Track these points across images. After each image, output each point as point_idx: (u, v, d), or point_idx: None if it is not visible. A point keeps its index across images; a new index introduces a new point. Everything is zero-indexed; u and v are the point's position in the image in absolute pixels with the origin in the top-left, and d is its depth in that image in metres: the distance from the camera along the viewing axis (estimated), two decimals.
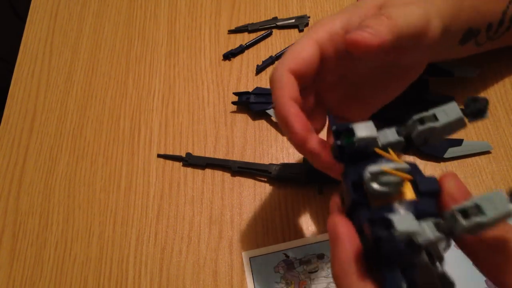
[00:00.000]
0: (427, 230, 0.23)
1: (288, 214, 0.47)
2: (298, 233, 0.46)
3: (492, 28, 0.45)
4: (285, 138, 0.51)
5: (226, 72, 0.56)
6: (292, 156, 0.50)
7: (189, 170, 0.51)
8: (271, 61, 0.56)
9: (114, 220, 0.49)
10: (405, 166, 0.25)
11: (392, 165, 0.24)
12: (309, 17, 0.58)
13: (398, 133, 0.27)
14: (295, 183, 0.48)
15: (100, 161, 0.52)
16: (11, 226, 0.49)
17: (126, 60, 0.59)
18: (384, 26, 0.32)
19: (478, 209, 0.23)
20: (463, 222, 0.22)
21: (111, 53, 0.59)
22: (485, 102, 0.25)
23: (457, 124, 0.26)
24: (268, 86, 0.54)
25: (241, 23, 0.59)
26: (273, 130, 0.52)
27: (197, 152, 0.51)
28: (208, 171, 0.50)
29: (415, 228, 0.22)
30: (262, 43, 0.58)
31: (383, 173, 0.24)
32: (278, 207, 0.48)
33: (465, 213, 0.23)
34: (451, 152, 0.47)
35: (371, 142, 0.26)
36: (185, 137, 0.52)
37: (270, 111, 0.52)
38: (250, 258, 0.45)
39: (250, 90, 0.54)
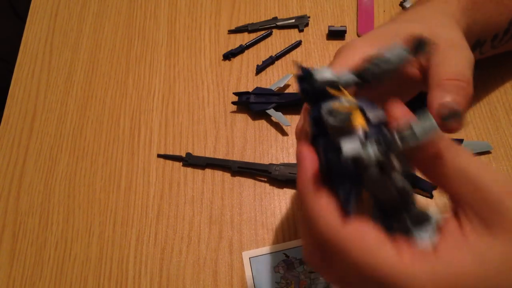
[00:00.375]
0: (370, 151, 0.27)
1: (288, 214, 0.47)
2: (298, 233, 0.46)
3: (498, 38, 0.45)
4: (285, 138, 0.51)
5: (226, 72, 0.56)
6: (292, 156, 0.50)
7: (189, 170, 0.51)
8: (271, 61, 0.56)
9: (114, 220, 0.49)
10: (354, 101, 0.29)
11: (343, 100, 0.29)
12: (309, 17, 0.58)
13: (354, 73, 0.32)
14: (295, 183, 0.48)
15: (100, 161, 0.52)
16: (11, 226, 0.49)
17: (126, 60, 0.59)
18: (465, 99, 0.33)
19: (411, 129, 0.27)
20: (398, 141, 0.27)
21: (111, 53, 0.59)
22: (426, 40, 0.29)
23: (399, 58, 0.31)
24: (268, 86, 0.54)
25: (241, 23, 0.59)
26: (273, 130, 0.52)
27: (197, 152, 0.51)
28: (208, 171, 0.50)
29: (360, 151, 0.27)
30: (262, 43, 0.58)
31: (335, 108, 0.28)
32: (278, 207, 0.48)
33: (401, 134, 0.27)
34: None
35: (329, 83, 0.30)
36: (185, 137, 0.52)
37: (270, 111, 0.52)
38: (250, 258, 0.45)
39: (250, 90, 0.54)
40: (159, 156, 0.52)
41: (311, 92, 0.29)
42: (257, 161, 0.50)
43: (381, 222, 0.30)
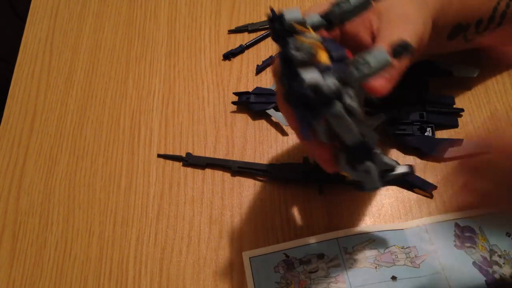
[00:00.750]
0: (329, 81, 0.30)
1: (288, 214, 0.47)
2: (298, 233, 0.46)
3: (482, 24, 0.45)
4: (285, 138, 0.51)
5: (226, 72, 0.56)
6: (292, 156, 0.50)
7: (189, 170, 0.51)
8: (271, 61, 0.56)
9: (114, 220, 0.49)
10: (318, 37, 0.32)
11: (308, 35, 0.32)
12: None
13: (321, 16, 0.35)
14: (295, 183, 0.48)
15: (100, 161, 0.52)
16: (11, 226, 0.49)
17: (126, 60, 0.59)
18: (398, 68, 0.35)
19: (365, 61, 0.30)
20: (355, 72, 0.30)
21: (111, 53, 0.59)
22: (407, 43, 0.33)
23: (364, 4, 0.34)
24: (268, 86, 0.54)
25: (241, 23, 0.59)
26: (273, 130, 0.52)
27: (197, 152, 0.51)
28: (208, 171, 0.50)
29: (318, 80, 0.30)
30: (262, 43, 0.58)
31: (299, 41, 0.31)
32: (278, 207, 0.48)
33: (356, 65, 0.30)
34: (451, 152, 0.47)
35: (297, 21, 0.32)
36: (185, 137, 0.52)
37: (270, 111, 0.52)
38: (250, 258, 0.45)
39: (250, 90, 0.54)
40: (159, 156, 0.52)
41: (281, 31, 0.32)
42: (257, 161, 0.50)
43: (346, 162, 0.36)
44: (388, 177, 0.39)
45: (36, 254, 0.48)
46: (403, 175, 0.39)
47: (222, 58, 0.57)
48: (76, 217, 0.49)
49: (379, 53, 0.30)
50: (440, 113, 0.49)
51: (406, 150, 0.49)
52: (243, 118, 0.53)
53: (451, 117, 0.50)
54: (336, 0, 0.34)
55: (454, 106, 0.50)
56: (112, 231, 0.48)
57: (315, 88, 0.30)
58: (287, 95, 0.33)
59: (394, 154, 0.49)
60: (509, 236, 0.43)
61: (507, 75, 0.52)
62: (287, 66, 0.32)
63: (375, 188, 0.39)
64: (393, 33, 0.37)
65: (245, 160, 0.50)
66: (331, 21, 0.35)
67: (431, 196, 0.46)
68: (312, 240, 0.45)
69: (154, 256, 0.46)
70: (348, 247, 0.44)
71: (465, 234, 0.44)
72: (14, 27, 0.83)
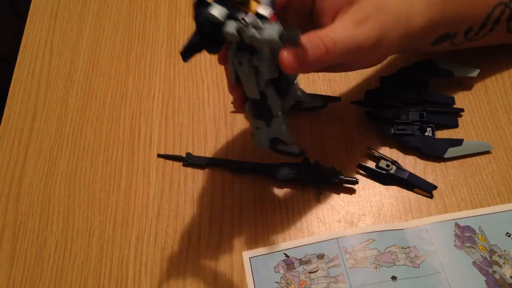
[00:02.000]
0: (229, 25, 0.34)
1: (288, 214, 0.47)
2: (298, 233, 0.46)
3: (472, 31, 0.45)
4: None
5: None
6: (292, 156, 0.50)
7: (189, 170, 0.51)
8: None
9: (114, 220, 0.49)
10: None
11: None
12: None
13: None
14: (295, 183, 0.48)
15: (100, 161, 0.52)
16: (11, 226, 0.49)
17: (126, 60, 0.59)
18: (314, 58, 0.36)
19: (261, 29, 0.33)
20: (250, 30, 0.33)
21: (111, 53, 0.59)
22: (296, 37, 0.34)
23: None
24: None
25: None
26: None
27: (197, 152, 0.51)
28: (208, 171, 0.50)
29: (219, 15, 0.33)
30: None
31: None
32: (278, 207, 0.48)
33: (255, 27, 0.33)
34: (451, 152, 0.47)
35: None
36: (185, 137, 0.52)
37: None
38: (250, 258, 0.45)
39: None
40: (159, 156, 0.52)
41: None
42: (257, 161, 0.50)
43: (248, 109, 0.41)
44: (279, 147, 0.44)
45: (36, 254, 0.48)
46: (290, 152, 0.44)
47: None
48: (76, 217, 0.49)
49: (273, 29, 0.33)
50: (440, 113, 0.49)
51: (406, 150, 0.49)
52: (243, 118, 0.53)
53: (451, 117, 0.50)
54: None
55: (454, 106, 0.50)
56: (112, 231, 0.48)
57: (214, 22, 0.34)
58: (194, 16, 0.36)
59: (394, 154, 0.49)
60: (509, 236, 0.43)
61: (507, 75, 0.52)
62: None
63: (259, 146, 0.44)
64: (338, 30, 0.38)
65: (245, 160, 0.50)
66: None
67: (431, 196, 0.46)
68: (312, 240, 0.45)
69: (154, 256, 0.46)
70: (348, 247, 0.44)
71: (465, 234, 0.44)
72: (14, 27, 0.83)
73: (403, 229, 0.45)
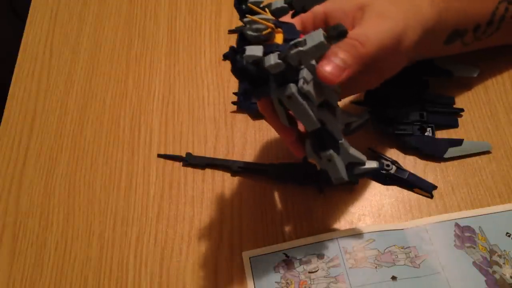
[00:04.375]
0: (271, 57, 0.32)
1: (288, 214, 0.47)
2: (298, 233, 0.46)
3: (480, 29, 0.45)
4: None
5: (226, 72, 0.56)
6: (292, 156, 0.50)
7: (189, 170, 0.51)
8: None
9: (114, 220, 0.49)
10: (271, 18, 0.34)
11: (262, 16, 0.34)
12: None
13: (285, 2, 0.36)
14: (295, 183, 0.48)
15: (100, 161, 0.52)
16: (11, 226, 0.49)
17: (126, 60, 0.59)
18: (353, 57, 0.36)
19: (304, 42, 0.32)
20: (293, 49, 0.32)
21: (111, 53, 0.59)
22: (342, 28, 0.33)
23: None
24: None
25: (241, 23, 0.59)
26: (273, 130, 0.52)
27: (197, 152, 0.51)
28: (208, 171, 0.50)
29: (258, 53, 0.32)
30: None
31: (252, 22, 0.33)
32: (278, 207, 0.48)
33: (296, 45, 0.32)
34: (451, 152, 0.47)
35: (255, 2, 0.34)
36: (185, 137, 0.52)
37: None
38: (250, 258, 0.45)
39: None
40: (159, 156, 0.52)
41: (241, 10, 0.34)
42: (257, 161, 0.50)
43: (311, 148, 0.38)
44: (356, 171, 0.40)
45: (36, 254, 0.48)
46: (371, 170, 0.41)
47: (222, 58, 0.57)
48: (76, 217, 0.49)
49: (316, 34, 0.32)
50: (440, 113, 0.49)
51: (406, 150, 0.49)
52: (243, 118, 0.53)
53: (451, 117, 0.50)
54: None
55: (454, 106, 0.50)
56: (112, 231, 0.48)
57: (255, 62, 0.33)
58: (232, 67, 0.35)
59: (394, 154, 0.49)
60: (509, 236, 0.43)
61: (507, 75, 0.52)
62: (242, 43, 0.34)
63: (341, 180, 0.39)
64: (365, 28, 0.38)
65: (245, 160, 0.50)
66: (293, 6, 0.37)
67: (431, 196, 0.46)
68: (312, 240, 0.45)
69: (154, 256, 0.46)
70: (348, 247, 0.44)
71: (465, 234, 0.44)
72: (14, 27, 0.83)
73: (403, 229, 0.45)
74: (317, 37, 0.32)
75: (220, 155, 0.51)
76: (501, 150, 0.48)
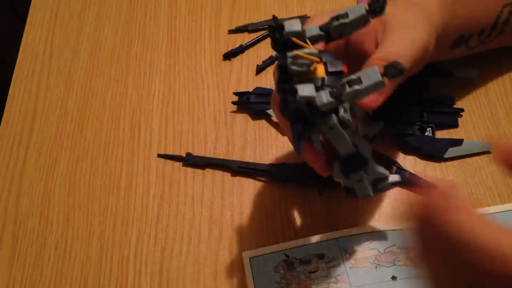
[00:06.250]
0: (323, 96, 0.31)
1: (288, 214, 0.47)
2: (298, 233, 0.46)
3: (485, 33, 0.46)
4: (285, 138, 0.51)
5: (226, 72, 0.56)
6: (292, 156, 0.50)
7: (189, 170, 0.51)
8: (271, 61, 0.56)
9: (114, 220, 0.49)
10: (315, 51, 0.33)
11: (306, 50, 0.33)
12: (309, 17, 0.58)
13: (320, 29, 0.35)
14: (295, 183, 0.48)
15: (100, 161, 0.52)
16: (11, 226, 0.49)
17: (126, 60, 0.59)
18: (388, 88, 0.36)
19: (359, 80, 0.31)
20: (347, 89, 0.31)
21: (111, 53, 0.59)
22: (383, 1, 0.33)
23: (359, 15, 0.34)
24: (268, 86, 0.54)
25: (241, 23, 0.59)
26: (273, 130, 0.52)
27: (197, 152, 0.51)
28: (208, 171, 0.50)
29: (312, 93, 0.31)
30: (262, 43, 0.58)
31: (297, 56, 0.32)
32: (278, 207, 0.48)
33: (350, 83, 0.31)
34: (451, 152, 0.47)
35: (296, 34, 0.33)
36: (185, 137, 0.52)
37: (270, 111, 0.52)
38: (250, 258, 0.45)
39: (250, 90, 0.54)
40: (159, 156, 0.52)
41: (280, 42, 0.33)
42: (257, 161, 0.50)
43: (340, 170, 0.38)
44: (380, 186, 0.40)
45: (36, 254, 0.48)
46: (395, 184, 0.42)
47: (222, 58, 0.57)
48: (76, 217, 0.49)
49: (372, 72, 0.31)
50: (440, 113, 0.49)
51: (406, 150, 0.49)
52: (243, 118, 0.53)
53: (451, 117, 0.50)
54: (335, 13, 0.34)
55: (454, 106, 0.50)
56: (112, 231, 0.48)
57: (309, 103, 0.32)
58: (283, 108, 0.34)
59: (394, 154, 0.49)
60: None
61: (508, 75, 0.52)
62: (284, 78, 0.33)
63: (367, 196, 0.40)
64: (394, 43, 0.37)
65: (245, 160, 0.50)
66: (329, 33, 0.35)
67: None
68: (312, 240, 0.45)
69: (154, 256, 0.46)
70: (348, 247, 0.44)
71: None
72: (14, 27, 0.83)
73: (403, 229, 0.45)
74: (373, 75, 0.31)
75: (220, 155, 0.51)
76: None
